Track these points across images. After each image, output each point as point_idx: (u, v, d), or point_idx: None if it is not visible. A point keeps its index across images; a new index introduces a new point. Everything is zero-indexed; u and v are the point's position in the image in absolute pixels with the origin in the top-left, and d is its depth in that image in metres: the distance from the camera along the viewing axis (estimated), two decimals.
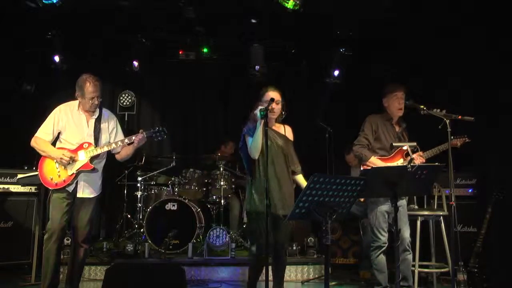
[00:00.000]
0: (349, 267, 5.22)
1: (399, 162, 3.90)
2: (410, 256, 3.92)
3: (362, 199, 4.13)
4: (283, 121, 3.74)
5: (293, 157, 3.62)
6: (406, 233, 3.91)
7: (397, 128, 4.07)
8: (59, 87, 5.75)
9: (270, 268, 3.41)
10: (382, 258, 3.88)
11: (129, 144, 3.81)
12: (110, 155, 3.93)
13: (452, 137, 3.77)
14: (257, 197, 3.41)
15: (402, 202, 3.94)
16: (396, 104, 3.97)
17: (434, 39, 5.26)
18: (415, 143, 3.85)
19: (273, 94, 3.51)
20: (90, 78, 3.70)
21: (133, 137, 3.77)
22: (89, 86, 3.68)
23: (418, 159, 3.82)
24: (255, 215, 3.42)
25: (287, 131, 3.69)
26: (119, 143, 3.77)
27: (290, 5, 4.74)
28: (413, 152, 3.82)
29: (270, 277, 3.28)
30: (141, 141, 3.77)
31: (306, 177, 3.55)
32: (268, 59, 6.18)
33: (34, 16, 5.07)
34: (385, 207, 3.83)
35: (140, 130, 3.81)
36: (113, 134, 3.88)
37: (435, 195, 4.48)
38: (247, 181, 3.56)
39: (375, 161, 3.90)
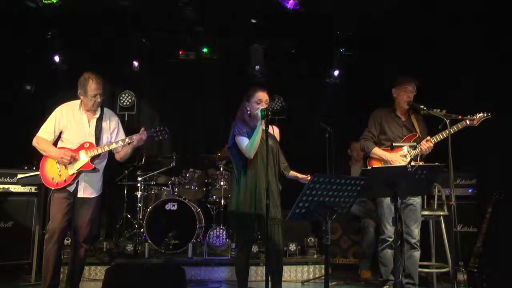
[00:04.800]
0: (349, 267, 5.22)
1: (404, 150, 3.90)
2: (417, 254, 3.92)
3: None
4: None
5: (280, 157, 3.60)
6: (414, 231, 3.92)
7: (403, 118, 4.09)
8: (59, 87, 5.75)
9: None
10: (387, 252, 3.91)
11: (129, 144, 3.80)
12: (110, 155, 3.93)
13: (469, 115, 3.76)
14: (243, 196, 3.40)
15: (416, 200, 3.94)
16: (405, 97, 4.00)
17: (434, 39, 5.26)
18: (415, 143, 3.86)
19: (262, 94, 3.49)
20: (92, 76, 3.70)
21: (134, 137, 3.76)
22: (92, 84, 3.68)
23: (426, 144, 3.80)
24: (239, 215, 3.41)
25: (275, 132, 3.69)
26: (120, 142, 3.76)
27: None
28: (417, 142, 3.84)
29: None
30: (141, 140, 3.75)
31: None
32: (268, 59, 6.18)
33: (34, 16, 5.07)
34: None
35: (142, 129, 3.79)
36: (114, 134, 3.87)
37: (435, 195, 4.49)
38: (234, 180, 3.54)
39: (377, 152, 3.96)
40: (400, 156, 3.90)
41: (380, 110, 4.16)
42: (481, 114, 3.78)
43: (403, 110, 4.09)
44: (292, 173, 3.60)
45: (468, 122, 3.76)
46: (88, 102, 3.72)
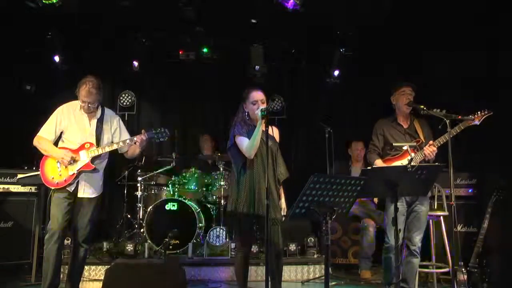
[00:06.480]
0: (349, 267, 5.23)
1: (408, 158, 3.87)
2: (415, 261, 3.87)
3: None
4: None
5: (278, 159, 3.56)
6: (416, 238, 3.86)
7: (405, 125, 4.04)
8: (59, 87, 5.73)
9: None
10: (390, 258, 3.87)
11: (134, 143, 3.81)
12: (112, 155, 3.93)
13: (470, 115, 3.70)
14: (243, 196, 3.40)
15: (421, 208, 3.87)
16: (404, 99, 3.95)
17: (434, 40, 5.27)
18: (414, 143, 3.86)
19: (256, 94, 3.47)
20: (89, 83, 3.67)
21: (135, 138, 3.77)
22: (83, 90, 3.67)
23: (429, 149, 3.74)
24: (239, 215, 3.41)
25: (275, 132, 3.66)
26: (121, 143, 3.77)
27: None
28: (421, 147, 3.82)
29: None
30: (143, 142, 3.76)
31: (306, 178, 3.52)
32: (268, 59, 6.18)
33: (34, 16, 5.07)
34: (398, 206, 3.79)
35: (142, 131, 3.80)
36: (116, 134, 3.87)
37: (435, 195, 4.48)
38: (234, 180, 3.52)
39: (379, 163, 3.91)
40: None
41: (381, 121, 4.11)
42: (482, 112, 3.73)
43: (404, 116, 4.03)
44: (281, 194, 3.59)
45: (471, 122, 3.73)
46: (81, 103, 3.74)
